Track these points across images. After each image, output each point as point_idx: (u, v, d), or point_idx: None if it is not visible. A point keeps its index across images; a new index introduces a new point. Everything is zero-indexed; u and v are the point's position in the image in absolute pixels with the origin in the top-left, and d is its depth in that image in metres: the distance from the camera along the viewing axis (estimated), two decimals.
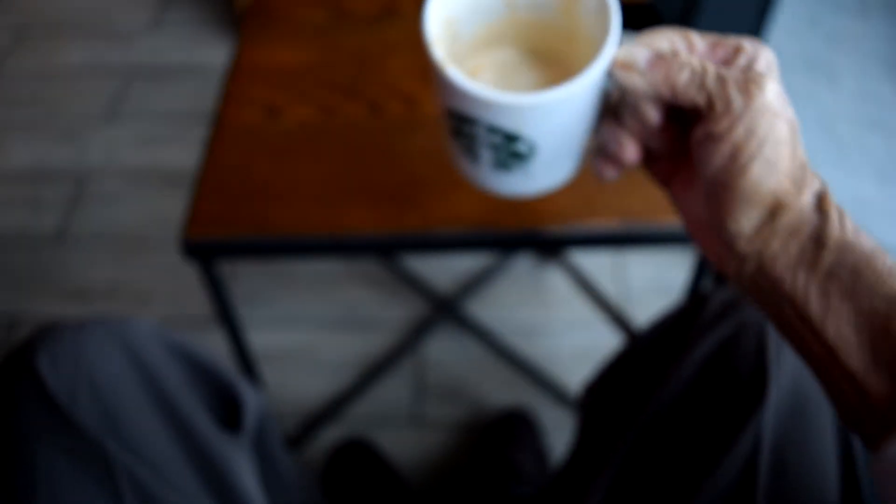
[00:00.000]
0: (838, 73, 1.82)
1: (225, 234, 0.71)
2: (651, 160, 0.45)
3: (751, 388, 0.54)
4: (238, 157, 0.78)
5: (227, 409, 0.65)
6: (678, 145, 0.43)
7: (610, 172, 0.45)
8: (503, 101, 0.41)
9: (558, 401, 1.19)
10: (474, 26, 0.49)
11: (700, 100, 0.38)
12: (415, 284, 1.34)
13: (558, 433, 1.15)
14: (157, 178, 1.54)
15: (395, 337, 1.28)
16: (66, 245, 1.43)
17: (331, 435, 1.16)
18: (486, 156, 0.47)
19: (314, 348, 1.27)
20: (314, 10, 0.96)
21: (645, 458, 0.60)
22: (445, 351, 1.26)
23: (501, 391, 1.21)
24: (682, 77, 0.38)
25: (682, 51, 0.40)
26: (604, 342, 1.26)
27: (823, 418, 0.53)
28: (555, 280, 1.35)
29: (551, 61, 0.50)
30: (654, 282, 1.34)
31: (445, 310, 1.30)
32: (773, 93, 0.38)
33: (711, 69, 0.39)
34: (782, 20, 1.71)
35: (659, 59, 0.39)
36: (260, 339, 1.26)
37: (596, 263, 1.36)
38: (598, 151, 0.46)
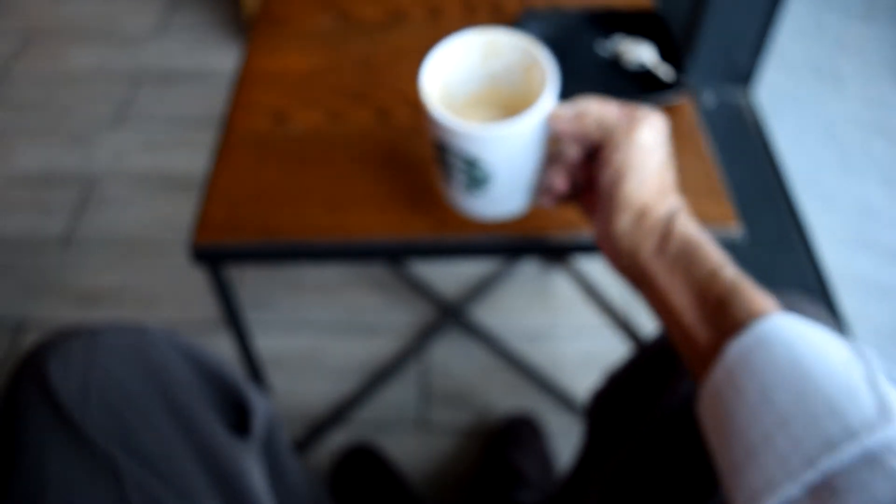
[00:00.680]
0: (844, 79, 1.82)
1: (233, 239, 0.71)
2: (578, 193, 0.61)
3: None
4: (246, 163, 0.78)
5: (237, 415, 0.65)
6: (593, 179, 0.57)
7: (546, 200, 0.62)
8: (462, 129, 0.55)
9: (564, 406, 1.19)
10: (464, 93, 0.64)
11: (598, 137, 0.54)
12: (421, 290, 1.34)
13: (564, 439, 1.15)
14: (164, 183, 1.55)
15: (401, 342, 1.28)
16: (74, 249, 1.43)
17: (337, 439, 1.16)
18: (457, 178, 0.61)
19: (321, 353, 1.27)
20: (321, 16, 0.96)
21: (650, 466, 0.60)
22: (451, 356, 1.26)
23: (507, 396, 1.21)
24: (589, 122, 0.54)
25: (596, 108, 0.55)
26: (609, 348, 1.26)
27: None
28: (561, 286, 1.36)
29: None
30: None
31: (451, 315, 1.30)
32: (646, 136, 0.52)
33: (608, 117, 0.54)
34: (788, 26, 1.71)
35: (578, 112, 0.55)
36: (267, 343, 1.26)
37: (602, 269, 1.37)
38: (538, 185, 0.62)
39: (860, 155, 1.64)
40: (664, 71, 0.84)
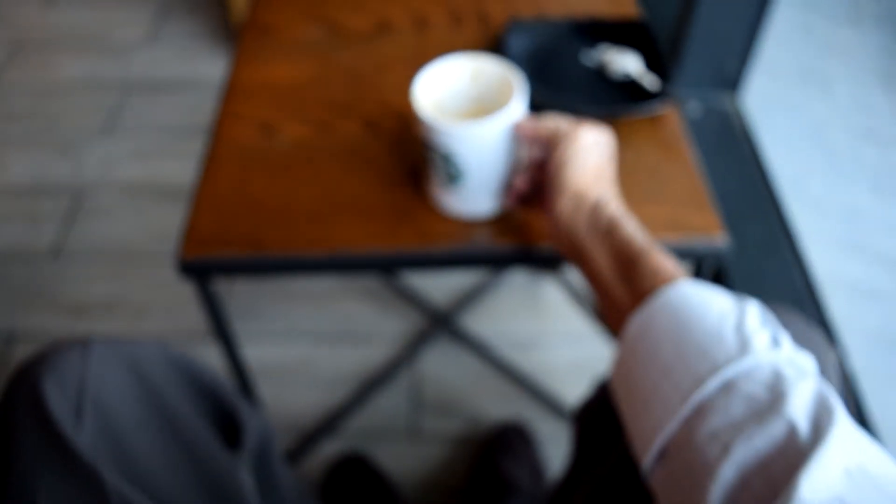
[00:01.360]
0: (832, 83, 1.83)
1: (220, 252, 0.71)
2: (539, 196, 0.69)
3: None
4: (234, 175, 0.78)
5: (229, 428, 0.65)
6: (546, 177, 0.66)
7: (508, 201, 0.71)
8: (440, 126, 0.65)
9: (554, 413, 1.19)
10: (455, 110, 0.73)
11: (550, 138, 0.64)
12: (411, 298, 1.34)
13: (554, 445, 1.15)
14: (154, 192, 1.55)
15: (391, 351, 1.28)
16: (63, 259, 1.43)
17: (328, 449, 1.16)
18: (439, 175, 0.70)
19: (311, 363, 1.27)
20: (309, 27, 0.96)
21: (637, 474, 0.60)
22: (442, 364, 1.26)
23: (497, 404, 1.21)
24: (543, 127, 0.65)
25: (551, 118, 0.66)
26: (599, 355, 1.26)
27: None
28: (550, 294, 1.36)
29: None
30: None
31: (441, 323, 1.30)
32: (587, 138, 0.63)
33: (560, 124, 0.65)
34: (776, 31, 1.72)
35: (537, 120, 0.66)
36: (256, 353, 1.26)
37: None
38: (505, 187, 0.71)
39: (848, 159, 1.64)
40: (649, 80, 0.84)
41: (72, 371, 0.53)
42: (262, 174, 0.78)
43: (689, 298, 0.48)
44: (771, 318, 0.47)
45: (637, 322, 0.50)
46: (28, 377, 0.52)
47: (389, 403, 1.22)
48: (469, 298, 1.34)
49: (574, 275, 1.37)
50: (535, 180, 0.69)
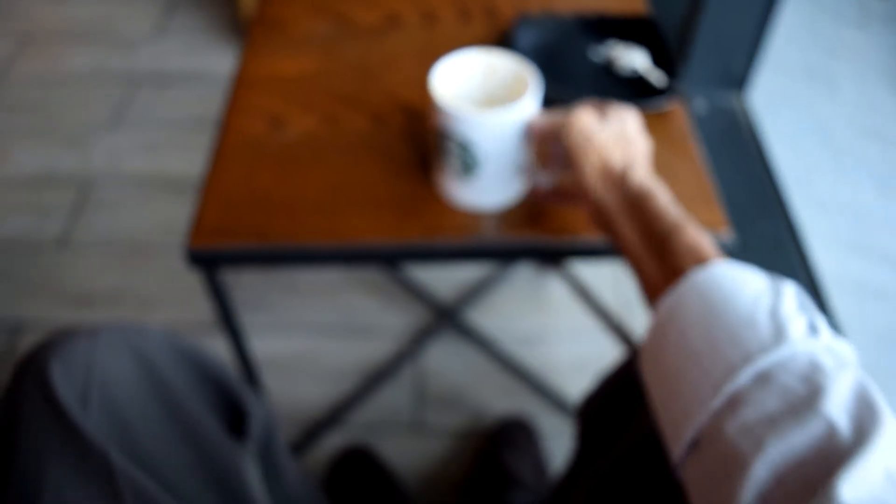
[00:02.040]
0: (838, 83, 1.83)
1: (229, 243, 0.72)
2: (571, 190, 0.67)
3: None
4: (242, 167, 0.78)
5: (234, 417, 0.66)
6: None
7: (542, 179, 0.72)
8: (459, 113, 0.66)
9: (557, 408, 1.20)
10: (469, 103, 0.74)
11: (559, 129, 0.66)
12: (416, 292, 1.35)
13: (557, 440, 1.15)
14: (161, 185, 1.55)
15: (396, 344, 1.29)
16: (70, 251, 1.44)
17: (332, 441, 1.17)
18: (453, 165, 0.71)
19: (316, 355, 1.28)
20: (318, 21, 0.97)
21: (641, 469, 0.61)
22: (446, 359, 1.26)
23: (501, 399, 1.21)
24: (552, 122, 0.67)
25: (557, 113, 0.67)
26: (603, 351, 1.27)
27: None
28: (555, 289, 1.36)
29: None
30: None
31: (446, 318, 1.31)
32: (581, 120, 0.64)
33: (563, 117, 0.66)
34: (783, 31, 1.72)
35: (545, 118, 0.68)
36: (262, 345, 1.27)
37: (597, 273, 1.37)
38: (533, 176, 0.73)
39: (854, 159, 1.65)
40: (656, 77, 0.84)
41: (79, 358, 0.53)
42: (270, 166, 0.79)
43: (721, 280, 0.47)
44: (808, 301, 0.45)
45: (667, 303, 0.48)
46: (35, 363, 0.53)
47: (393, 397, 1.22)
48: (474, 293, 1.34)
49: (579, 270, 1.37)
50: (562, 175, 0.69)
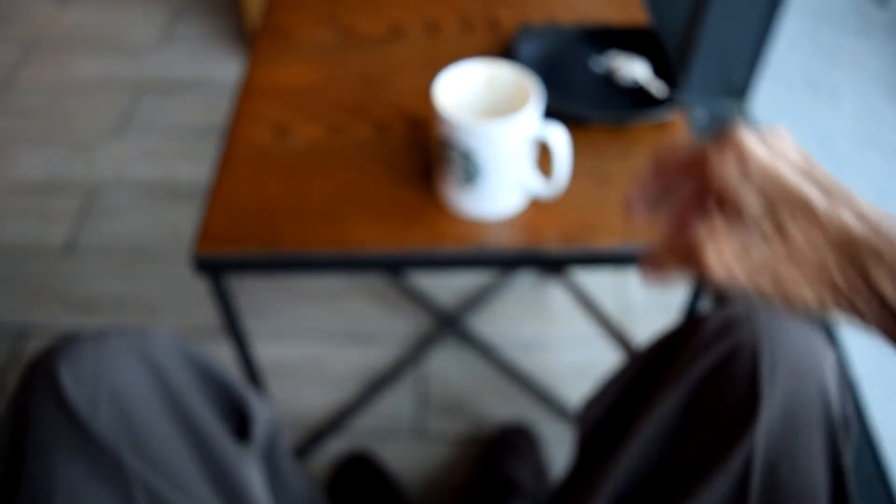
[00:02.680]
0: (839, 92, 1.84)
1: (234, 249, 0.73)
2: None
3: (744, 407, 0.55)
4: (248, 175, 0.80)
5: (239, 421, 0.66)
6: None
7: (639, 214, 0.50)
8: (461, 123, 0.67)
9: (558, 415, 1.20)
10: (468, 113, 0.75)
11: (694, 160, 0.45)
12: (418, 299, 1.36)
13: (558, 447, 1.16)
14: (166, 191, 1.57)
15: (398, 351, 1.30)
16: (76, 256, 1.45)
17: (334, 447, 1.17)
18: (455, 174, 0.72)
19: (319, 361, 1.29)
20: (322, 30, 0.98)
21: (641, 475, 0.61)
22: (448, 365, 1.27)
23: (502, 405, 1.22)
24: (686, 154, 0.46)
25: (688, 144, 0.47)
26: (603, 358, 1.27)
27: (815, 437, 0.54)
28: (556, 296, 1.37)
29: None
30: (655, 300, 1.36)
31: (448, 325, 1.32)
32: (757, 154, 0.43)
33: (706, 144, 0.45)
34: (784, 40, 1.73)
35: (689, 149, 0.46)
36: (266, 351, 1.28)
37: (598, 281, 1.38)
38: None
39: (854, 168, 1.65)
40: (657, 87, 0.85)
41: (88, 361, 0.54)
42: (275, 174, 0.80)
43: None
44: None
45: None
46: (45, 366, 0.54)
47: (396, 403, 1.23)
48: (476, 300, 1.35)
49: (580, 277, 1.38)
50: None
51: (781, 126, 0.44)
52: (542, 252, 0.73)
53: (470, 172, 0.71)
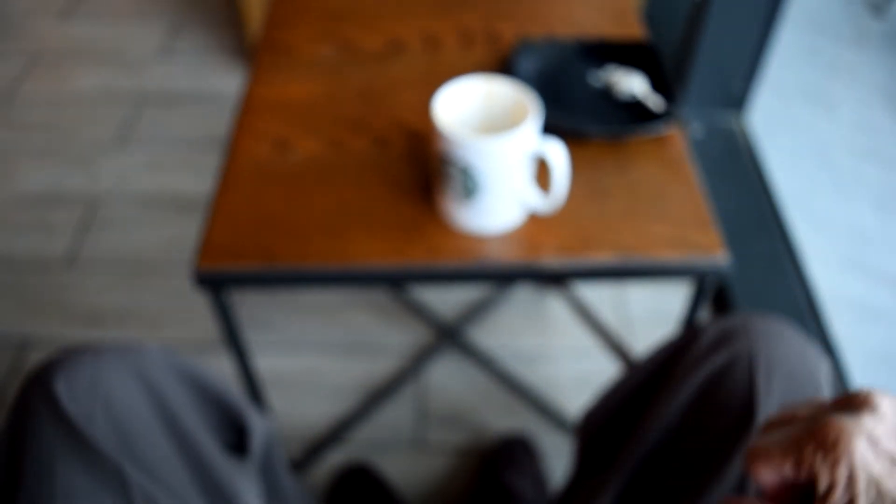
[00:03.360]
0: (836, 104, 1.85)
1: (235, 264, 0.73)
2: None
3: (741, 416, 0.56)
4: (248, 190, 0.80)
5: (235, 435, 0.67)
6: None
7: None
8: (459, 139, 0.68)
9: (558, 426, 1.21)
10: (467, 129, 0.76)
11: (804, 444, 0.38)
12: (418, 311, 1.36)
13: (557, 458, 1.17)
14: (167, 204, 1.57)
15: (398, 363, 1.30)
16: (77, 268, 1.46)
17: (334, 458, 1.18)
18: (455, 189, 0.73)
19: (319, 373, 1.29)
20: (323, 45, 0.99)
21: (639, 485, 0.62)
22: (447, 377, 1.28)
23: (502, 417, 1.23)
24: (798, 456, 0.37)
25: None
26: (602, 369, 1.28)
27: None
28: (555, 308, 1.38)
29: None
30: (654, 311, 1.36)
31: (448, 336, 1.32)
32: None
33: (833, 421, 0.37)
34: (782, 51, 1.74)
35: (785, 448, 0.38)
36: (266, 363, 1.28)
37: (597, 293, 1.39)
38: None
39: (852, 179, 1.66)
40: (654, 101, 0.86)
41: (84, 375, 0.55)
42: (276, 189, 0.80)
43: None
44: None
45: None
46: (42, 378, 0.54)
47: (395, 414, 1.23)
48: (475, 312, 1.36)
49: (579, 289, 1.39)
50: None
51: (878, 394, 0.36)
52: (540, 266, 0.74)
53: (469, 187, 0.71)
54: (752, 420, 0.55)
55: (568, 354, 1.31)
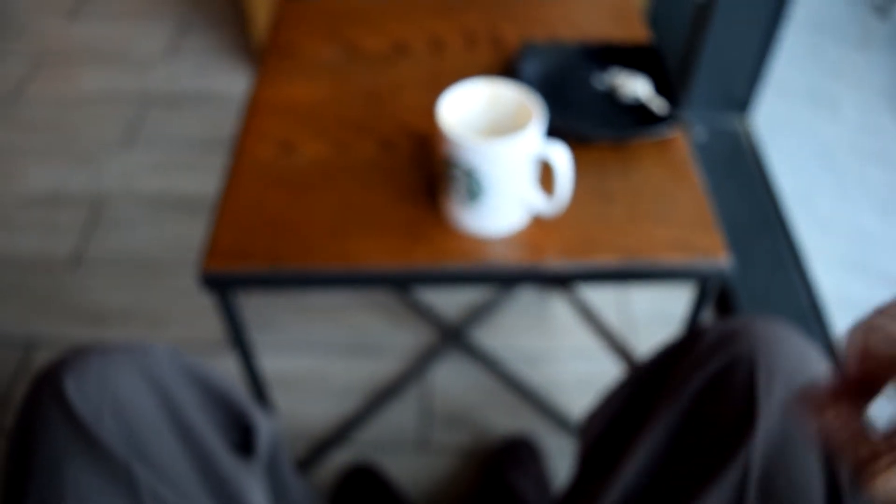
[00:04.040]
0: (840, 105, 1.85)
1: (241, 266, 0.74)
2: None
3: (741, 418, 0.56)
4: (254, 192, 0.81)
5: (241, 435, 0.67)
6: None
7: None
8: (465, 142, 0.69)
9: (561, 427, 1.21)
10: (474, 131, 0.77)
11: None
12: (422, 313, 1.37)
13: (561, 459, 1.17)
14: (172, 204, 1.58)
15: (402, 364, 1.31)
16: (83, 269, 1.46)
17: (338, 459, 1.18)
18: (459, 191, 0.73)
19: (324, 374, 1.30)
20: (328, 48, 0.99)
21: (641, 486, 0.62)
22: (452, 378, 1.28)
23: (506, 418, 1.23)
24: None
25: None
26: (606, 370, 1.28)
27: (810, 449, 0.55)
28: (559, 310, 1.38)
29: None
30: (657, 313, 1.37)
31: (452, 338, 1.33)
32: None
33: None
34: (786, 53, 1.74)
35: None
36: (271, 363, 1.29)
37: (600, 294, 1.39)
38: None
39: (855, 180, 1.66)
40: (658, 104, 0.87)
41: (92, 374, 0.55)
42: (281, 190, 0.81)
43: None
44: None
45: None
46: (50, 378, 0.55)
47: (400, 415, 1.24)
48: (479, 313, 1.36)
49: (582, 291, 1.39)
50: None
51: None
52: (544, 268, 0.74)
53: (473, 190, 0.72)
54: (752, 422, 0.55)
55: (571, 356, 1.31)
